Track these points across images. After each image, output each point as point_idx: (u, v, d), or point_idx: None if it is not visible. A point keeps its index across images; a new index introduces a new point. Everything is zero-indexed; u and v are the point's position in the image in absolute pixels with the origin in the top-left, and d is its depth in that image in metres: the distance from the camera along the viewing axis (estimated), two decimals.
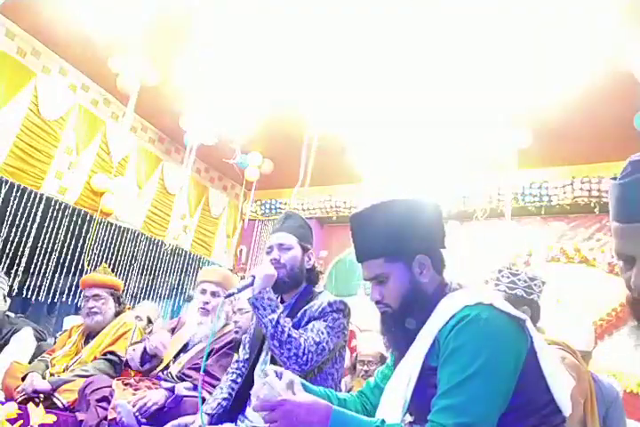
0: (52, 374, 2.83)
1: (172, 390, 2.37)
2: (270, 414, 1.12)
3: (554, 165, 5.59)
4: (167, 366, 2.61)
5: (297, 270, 1.94)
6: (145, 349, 2.62)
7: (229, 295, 1.86)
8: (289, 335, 1.69)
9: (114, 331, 2.98)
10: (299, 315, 1.85)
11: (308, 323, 1.82)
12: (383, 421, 1.14)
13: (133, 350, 2.66)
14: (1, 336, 3.64)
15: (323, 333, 1.75)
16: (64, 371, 2.88)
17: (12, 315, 3.92)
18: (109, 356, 2.88)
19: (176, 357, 2.65)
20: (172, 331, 2.81)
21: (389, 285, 1.33)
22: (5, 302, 3.78)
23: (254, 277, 1.82)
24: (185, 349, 2.65)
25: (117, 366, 2.87)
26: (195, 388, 2.42)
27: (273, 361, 1.83)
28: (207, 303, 2.63)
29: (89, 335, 3.08)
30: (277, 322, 1.71)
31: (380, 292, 1.35)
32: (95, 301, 3.02)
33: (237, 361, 2.10)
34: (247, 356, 2.03)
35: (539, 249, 5.33)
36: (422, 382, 1.19)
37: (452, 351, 1.14)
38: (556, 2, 3.50)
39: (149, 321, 4.35)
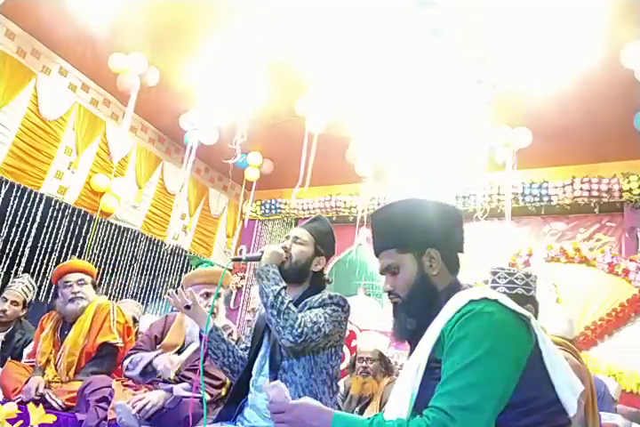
0: (48, 382, 2.76)
1: (170, 391, 2.36)
2: (280, 416, 1.21)
3: (554, 165, 5.59)
4: None
5: (300, 266, 1.93)
6: (149, 363, 2.55)
7: (236, 260, 1.94)
8: (288, 307, 1.72)
9: (91, 315, 2.89)
10: (299, 306, 1.87)
11: (307, 310, 1.84)
12: (377, 416, 1.17)
13: (130, 362, 2.56)
14: (12, 346, 3.62)
15: (320, 316, 1.78)
16: (56, 372, 2.83)
17: (25, 321, 3.91)
18: (105, 351, 2.84)
19: None
20: (162, 330, 2.78)
21: (399, 275, 1.39)
22: (26, 307, 3.79)
23: (263, 252, 1.87)
24: (180, 349, 2.65)
25: (117, 357, 2.85)
26: (193, 389, 2.41)
27: (272, 355, 1.83)
28: (207, 306, 2.61)
29: (63, 326, 2.98)
30: (279, 293, 1.74)
31: (392, 282, 1.41)
32: (80, 286, 2.94)
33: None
34: (248, 346, 2.02)
35: (539, 249, 5.33)
36: (428, 375, 1.21)
37: (456, 342, 1.17)
38: (555, 1, 3.50)
39: (135, 320, 4.31)
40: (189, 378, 2.45)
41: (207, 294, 2.65)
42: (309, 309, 1.84)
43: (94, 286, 3.06)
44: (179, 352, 2.64)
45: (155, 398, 2.31)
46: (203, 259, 3.03)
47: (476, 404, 1.09)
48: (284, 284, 1.80)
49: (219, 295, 2.62)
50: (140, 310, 4.19)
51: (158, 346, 2.69)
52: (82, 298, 2.92)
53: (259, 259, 1.85)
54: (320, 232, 2.01)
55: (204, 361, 1.89)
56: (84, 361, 2.83)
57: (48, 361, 2.87)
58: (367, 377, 3.40)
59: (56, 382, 2.78)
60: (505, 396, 1.13)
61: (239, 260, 1.93)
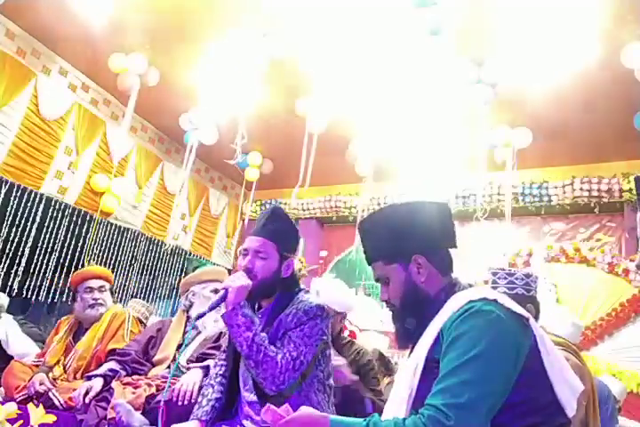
0: (54, 379, 2.80)
1: (206, 367, 2.31)
2: None
3: (554, 165, 5.59)
4: (168, 366, 2.60)
5: (269, 282, 1.80)
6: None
7: (200, 316, 1.76)
8: (265, 354, 1.63)
9: (107, 322, 2.92)
10: (274, 324, 1.77)
11: (284, 335, 1.74)
12: (373, 417, 1.17)
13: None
14: None
15: (300, 345, 1.68)
16: (64, 372, 2.86)
17: None
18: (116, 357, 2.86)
19: (178, 351, 2.64)
20: (157, 331, 2.78)
21: (391, 286, 1.40)
22: None
23: (227, 290, 1.70)
24: (181, 344, 2.65)
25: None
26: (214, 364, 2.38)
27: (255, 388, 1.76)
28: None
29: (78, 330, 3.01)
30: (253, 340, 1.64)
31: (386, 292, 1.42)
32: (100, 292, 2.99)
33: (224, 351, 2.03)
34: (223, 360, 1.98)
35: (539, 249, 5.33)
36: (426, 374, 1.21)
37: (453, 340, 1.17)
38: (555, 1, 3.50)
39: (140, 322, 4.28)
40: (212, 354, 2.42)
41: (216, 291, 2.69)
42: (285, 332, 1.73)
43: (112, 293, 3.11)
44: (180, 346, 2.65)
45: (194, 376, 2.26)
46: (202, 261, 3.07)
47: (472, 401, 1.09)
48: (255, 326, 1.68)
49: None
50: (147, 310, 4.17)
51: (162, 345, 2.69)
52: (101, 305, 2.97)
53: (224, 299, 1.69)
54: (280, 234, 1.85)
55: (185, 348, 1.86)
56: (93, 365, 2.85)
57: (57, 362, 2.90)
58: None
59: (62, 380, 2.81)
60: (501, 394, 1.12)
61: (203, 315, 1.74)
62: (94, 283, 3.01)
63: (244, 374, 1.81)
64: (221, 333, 2.55)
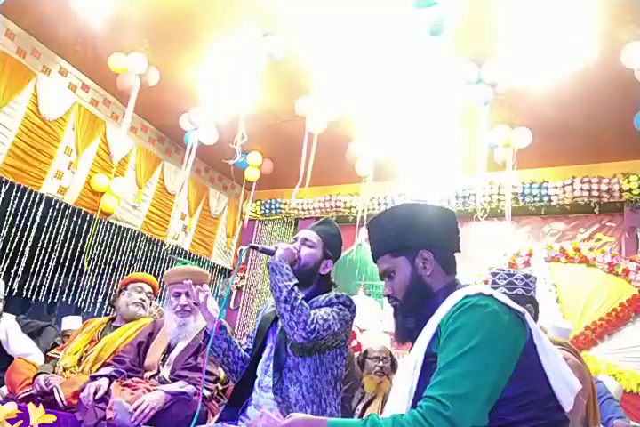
0: (64, 369, 2.82)
1: (172, 393, 2.33)
2: None
3: (554, 165, 5.59)
4: (157, 372, 2.59)
5: (308, 269, 1.93)
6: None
7: (253, 247, 1.90)
8: (301, 303, 1.73)
9: (136, 328, 3.01)
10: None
11: (315, 308, 1.85)
12: (371, 415, 1.17)
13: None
14: None
15: (329, 315, 1.78)
16: (79, 362, 2.86)
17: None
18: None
19: (163, 360, 2.63)
20: (150, 335, 2.77)
21: (396, 278, 1.42)
22: None
23: (277, 247, 1.87)
24: (169, 350, 2.64)
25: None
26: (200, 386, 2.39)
27: (277, 354, 1.82)
28: (185, 305, 2.59)
29: (107, 328, 3.09)
30: (292, 289, 1.75)
31: (390, 286, 1.44)
32: (147, 296, 3.18)
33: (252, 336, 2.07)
34: (250, 347, 2.01)
35: (539, 249, 5.33)
36: (426, 370, 1.22)
37: (450, 334, 1.19)
38: (555, 1, 3.50)
39: None
40: (185, 377, 2.44)
41: (178, 294, 2.62)
42: (316, 308, 1.84)
43: (151, 302, 3.31)
44: (166, 353, 2.64)
45: (154, 400, 2.29)
46: (184, 260, 3.09)
47: (469, 392, 1.10)
48: (296, 281, 1.80)
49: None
50: (158, 312, 4.20)
51: (149, 350, 2.68)
52: (143, 307, 3.14)
53: (272, 253, 1.85)
54: (329, 235, 2.02)
55: (204, 357, 1.89)
56: (110, 360, 2.89)
57: (76, 352, 2.93)
58: (382, 377, 3.38)
59: (72, 372, 2.83)
60: (498, 386, 1.14)
61: (255, 248, 1.90)
62: (146, 287, 3.20)
63: (266, 362, 1.88)
64: (200, 345, 2.51)
